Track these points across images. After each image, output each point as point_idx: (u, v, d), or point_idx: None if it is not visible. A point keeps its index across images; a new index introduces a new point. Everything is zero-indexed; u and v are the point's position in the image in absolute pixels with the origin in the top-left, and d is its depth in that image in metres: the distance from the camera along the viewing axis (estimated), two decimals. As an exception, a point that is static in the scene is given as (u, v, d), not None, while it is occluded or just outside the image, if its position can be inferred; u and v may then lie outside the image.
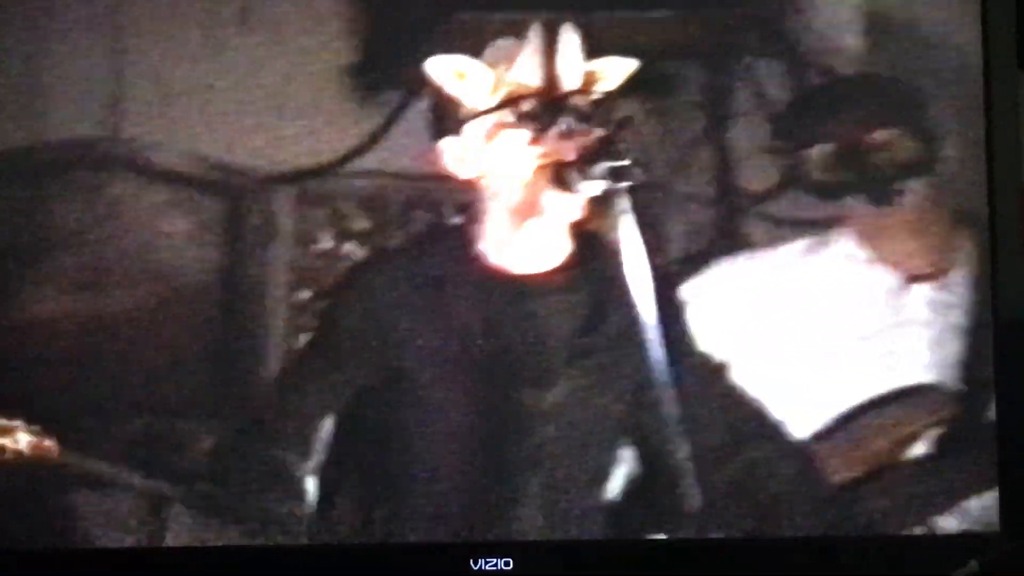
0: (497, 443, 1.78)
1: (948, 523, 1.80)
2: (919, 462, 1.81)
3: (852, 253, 1.84)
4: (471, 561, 1.77)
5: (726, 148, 1.85)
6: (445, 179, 1.83)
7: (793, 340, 1.82)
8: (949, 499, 1.80)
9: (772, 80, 1.85)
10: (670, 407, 1.74)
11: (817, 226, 1.84)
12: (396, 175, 1.85)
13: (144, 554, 1.78)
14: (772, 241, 1.85)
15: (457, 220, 1.84)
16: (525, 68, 1.78)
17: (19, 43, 1.84)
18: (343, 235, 1.86)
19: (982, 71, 1.81)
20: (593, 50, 1.82)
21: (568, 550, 1.80)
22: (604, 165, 1.72)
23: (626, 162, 1.73)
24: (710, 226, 1.85)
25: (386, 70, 1.84)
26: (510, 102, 1.77)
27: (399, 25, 1.85)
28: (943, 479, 1.80)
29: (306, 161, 1.85)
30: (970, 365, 1.80)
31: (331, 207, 1.85)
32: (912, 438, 1.81)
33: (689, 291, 1.82)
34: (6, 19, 1.84)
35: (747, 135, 1.85)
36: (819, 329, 1.82)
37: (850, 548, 1.80)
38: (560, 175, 1.75)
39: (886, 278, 1.84)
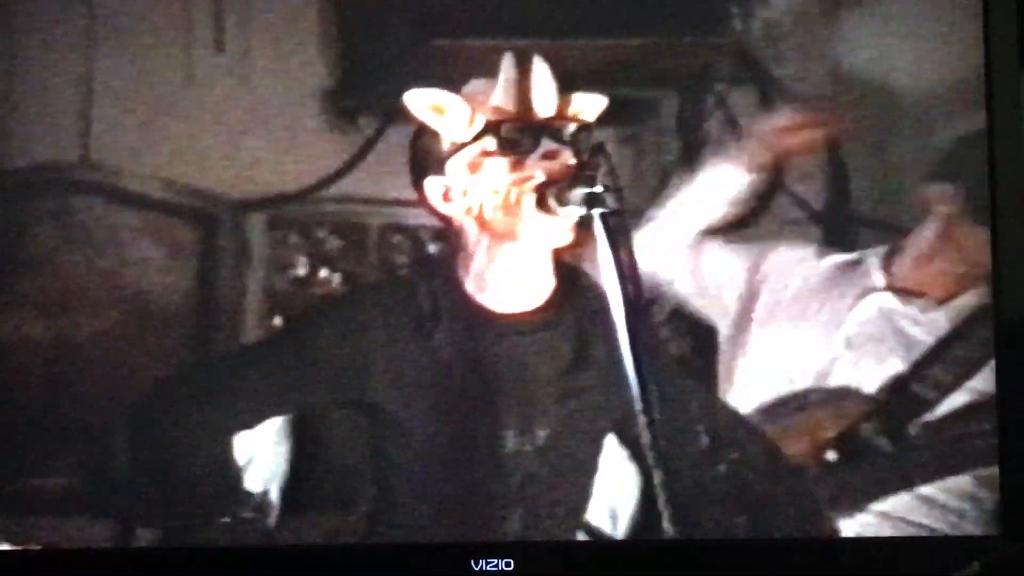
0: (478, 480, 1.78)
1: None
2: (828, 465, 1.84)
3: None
4: (472, 562, 1.77)
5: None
6: (421, 206, 1.82)
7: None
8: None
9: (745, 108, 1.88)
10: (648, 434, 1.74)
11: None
12: (369, 201, 1.85)
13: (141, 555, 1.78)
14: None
15: (434, 249, 1.84)
16: (501, 96, 1.79)
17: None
18: (318, 261, 1.85)
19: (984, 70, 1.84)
20: (566, 78, 1.83)
21: (568, 551, 1.81)
22: (581, 191, 1.72)
23: (599, 189, 1.73)
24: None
25: (362, 96, 1.83)
26: (490, 129, 1.78)
27: (376, 51, 1.85)
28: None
29: (280, 187, 1.83)
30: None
31: (306, 233, 1.84)
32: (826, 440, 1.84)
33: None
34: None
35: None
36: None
37: (851, 548, 1.82)
38: (542, 199, 1.75)
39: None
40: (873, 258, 1.88)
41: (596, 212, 1.66)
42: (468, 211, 1.80)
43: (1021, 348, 1.81)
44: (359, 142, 1.84)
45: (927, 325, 1.85)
